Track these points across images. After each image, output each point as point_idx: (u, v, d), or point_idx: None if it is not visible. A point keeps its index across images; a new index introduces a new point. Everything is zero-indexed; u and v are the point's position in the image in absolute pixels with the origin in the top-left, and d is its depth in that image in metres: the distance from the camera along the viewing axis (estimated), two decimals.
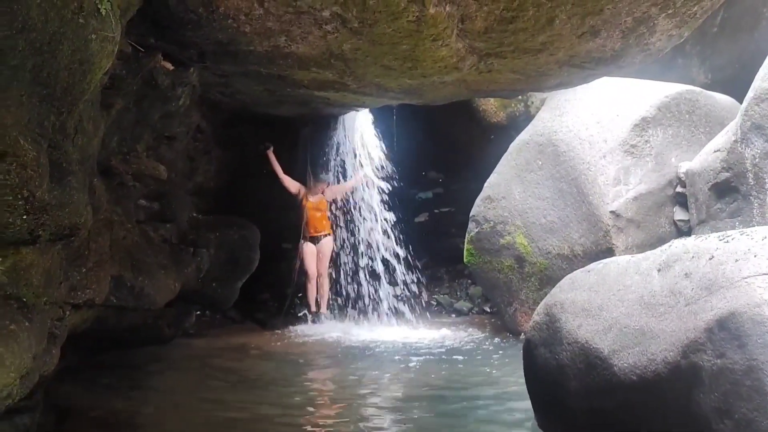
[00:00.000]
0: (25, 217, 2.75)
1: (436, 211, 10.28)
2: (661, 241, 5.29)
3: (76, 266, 4.13)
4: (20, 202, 2.72)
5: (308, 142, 9.05)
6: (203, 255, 6.54)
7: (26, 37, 2.68)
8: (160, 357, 6.35)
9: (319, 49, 4.97)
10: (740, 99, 6.19)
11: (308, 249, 8.62)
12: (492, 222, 7.71)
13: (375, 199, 9.09)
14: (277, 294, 9.10)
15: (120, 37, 3.41)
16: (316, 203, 8.68)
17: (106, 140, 4.76)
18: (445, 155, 10.14)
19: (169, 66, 5.46)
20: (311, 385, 5.55)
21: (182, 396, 5.23)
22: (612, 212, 6.59)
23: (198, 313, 7.87)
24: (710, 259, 2.98)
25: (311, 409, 4.88)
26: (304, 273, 8.58)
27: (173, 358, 6.41)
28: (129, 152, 5.51)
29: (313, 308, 8.54)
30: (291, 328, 8.20)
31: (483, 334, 7.75)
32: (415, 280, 9.22)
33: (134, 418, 4.57)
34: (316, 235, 8.66)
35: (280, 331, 8.04)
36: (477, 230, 7.86)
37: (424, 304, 9.24)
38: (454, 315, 9.16)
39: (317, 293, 8.59)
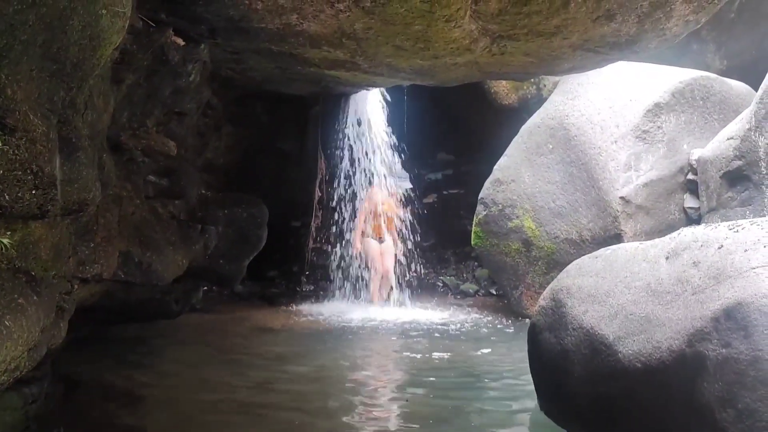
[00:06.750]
0: (34, 191, 2.75)
1: (444, 192, 10.26)
2: (671, 228, 5.27)
3: (85, 241, 4.14)
4: (29, 177, 2.72)
5: (319, 121, 9.03)
6: (211, 232, 6.54)
7: (37, 12, 2.67)
8: (167, 331, 6.41)
9: (331, 28, 4.93)
10: (756, 86, 6.11)
11: (377, 247, 8.83)
12: (500, 205, 7.69)
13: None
14: (285, 272, 9.15)
15: (131, 12, 3.39)
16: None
17: (117, 115, 4.75)
18: (455, 136, 10.10)
19: (180, 42, 5.43)
20: (317, 361, 5.59)
21: (188, 369, 5.29)
22: (622, 198, 6.56)
23: (205, 289, 7.92)
24: (719, 248, 2.96)
25: (317, 384, 4.93)
26: (372, 268, 8.79)
27: (181, 333, 6.47)
28: (139, 128, 5.49)
29: (376, 300, 8.70)
30: (298, 306, 8.24)
31: (488, 317, 7.77)
32: (423, 262, 9.24)
33: (141, 390, 4.63)
34: (379, 236, 8.88)
35: (287, 309, 8.08)
36: (485, 213, 7.84)
37: (430, 286, 9.25)
38: (459, 297, 9.18)
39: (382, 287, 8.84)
